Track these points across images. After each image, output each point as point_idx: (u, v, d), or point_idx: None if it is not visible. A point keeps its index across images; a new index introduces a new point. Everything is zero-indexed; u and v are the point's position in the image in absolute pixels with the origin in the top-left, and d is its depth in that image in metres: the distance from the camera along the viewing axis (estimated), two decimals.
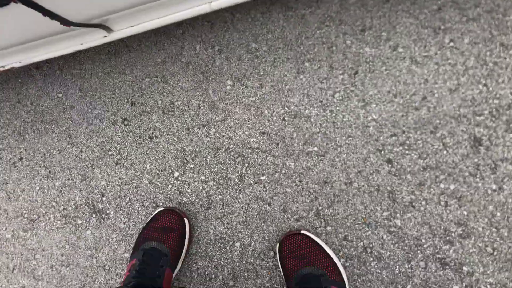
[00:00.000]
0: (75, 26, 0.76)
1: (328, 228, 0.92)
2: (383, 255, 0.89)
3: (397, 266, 0.89)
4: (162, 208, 0.97)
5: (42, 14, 0.67)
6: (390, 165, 0.91)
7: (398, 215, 0.90)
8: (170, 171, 1.02)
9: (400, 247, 0.89)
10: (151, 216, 0.97)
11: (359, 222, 0.91)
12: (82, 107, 1.10)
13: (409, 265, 0.88)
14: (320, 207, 0.93)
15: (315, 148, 0.95)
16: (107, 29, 0.85)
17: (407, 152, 0.90)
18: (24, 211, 1.08)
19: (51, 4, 0.67)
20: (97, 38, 0.86)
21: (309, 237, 0.88)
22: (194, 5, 0.80)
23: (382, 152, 0.92)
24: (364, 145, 0.93)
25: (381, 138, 0.92)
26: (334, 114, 0.94)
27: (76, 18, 0.75)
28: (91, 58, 1.11)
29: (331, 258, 0.86)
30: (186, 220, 0.96)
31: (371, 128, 0.93)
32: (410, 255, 0.88)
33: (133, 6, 0.78)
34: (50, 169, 1.09)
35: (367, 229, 0.91)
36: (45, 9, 0.67)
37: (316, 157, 0.94)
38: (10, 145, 1.13)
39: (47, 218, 1.06)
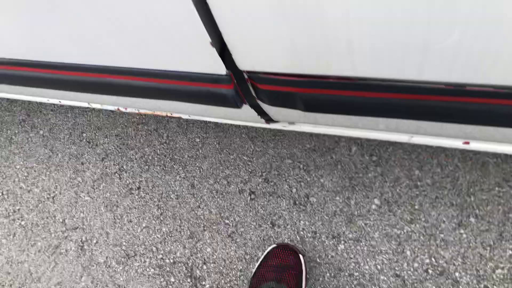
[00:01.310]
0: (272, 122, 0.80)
1: None
2: None
3: None
4: (275, 245, 0.90)
5: (257, 113, 0.70)
6: None
7: None
8: None
9: None
10: (263, 254, 0.90)
11: None
12: (215, 161, 1.06)
13: None
14: None
15: None
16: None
17: None
18: (124, 242, 1.05)
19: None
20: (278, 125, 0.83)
21: None
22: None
23: None
24: None
25: None
26: None
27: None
28: None
29: None
30: (301, 257, 0.87)
31: None
32: None
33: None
34: (162, 211, 1.06)
35: None
36: (263, 110, 0.70)
37: None
38: (134, 170, 1.12)
39: (142, 260, 1.02)
